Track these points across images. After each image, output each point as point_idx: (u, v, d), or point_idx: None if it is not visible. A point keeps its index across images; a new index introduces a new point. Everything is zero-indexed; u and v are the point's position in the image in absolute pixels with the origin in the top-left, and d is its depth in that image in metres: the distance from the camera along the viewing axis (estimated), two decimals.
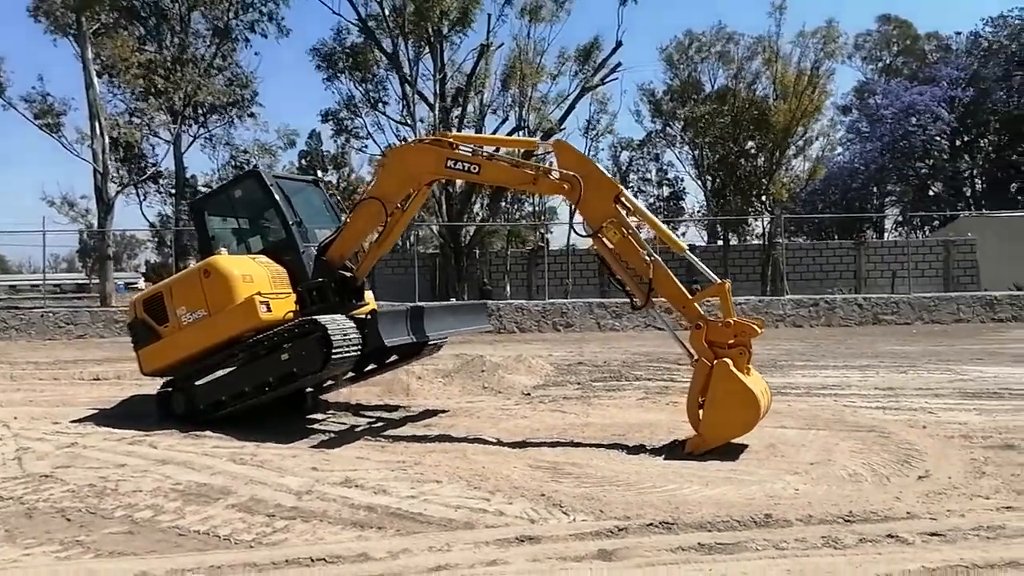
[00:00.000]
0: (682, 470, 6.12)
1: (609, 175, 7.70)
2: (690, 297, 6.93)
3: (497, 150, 8.90)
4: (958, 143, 46.83)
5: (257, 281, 8.33)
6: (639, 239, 7.16)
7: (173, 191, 35.20)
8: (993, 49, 42.91)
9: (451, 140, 8.06)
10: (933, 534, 4.45)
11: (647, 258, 7.05)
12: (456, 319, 9.54)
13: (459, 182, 27.42)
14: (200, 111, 34.67)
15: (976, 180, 48.19)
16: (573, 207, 7.49)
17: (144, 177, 34.87)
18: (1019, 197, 43.96)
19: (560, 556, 4.27)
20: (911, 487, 5.50)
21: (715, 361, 6.59)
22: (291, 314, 8.36)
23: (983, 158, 47.20)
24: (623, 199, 7.26)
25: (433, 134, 30.94)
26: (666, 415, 8.61)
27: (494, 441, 7.44)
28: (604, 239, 7.18)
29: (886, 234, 47.18)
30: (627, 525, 4.72)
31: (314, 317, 7.86)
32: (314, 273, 8.61)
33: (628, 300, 7.61)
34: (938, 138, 44.55)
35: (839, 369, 12.40)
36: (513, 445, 7.24)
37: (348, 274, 8.69)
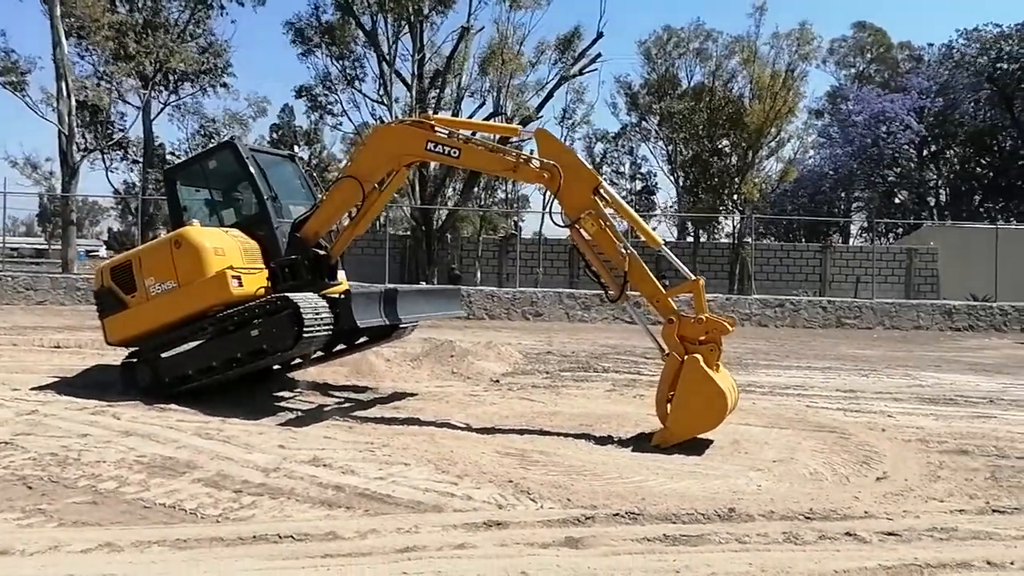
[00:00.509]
0: (648, 462, 6.20)
1: (589, 166, 7.72)
2: (664, 292, 7.00)
3: (474, 134, 8.83)
4: (925, 153, 47.72)
5: (229, 254, 8.21)
6: (616, 231, 7.20)
7: (140, 159, 34.50)
8: (964, 61, 43.71)
9: (432, 122, 8.00)
10: (890, 534, 4.58)
11: (623, 251, 7.09)
12: (429, 304, 9.52)
13: (434, 165, 27.28)
14: (171, 78, 33.98)
15: (941, 191, 49.20)
16: (552, 196, 7.50)
17: (111, 143, 34.09)
18: (981, 209, 44.97)
19: (527, 542, 4.32)
20: (870, 487, 5.65)
21: (686, 356, 6.67)
22: (262, 290, 8.27)
23: (948, 169, 48.20)
24: (602, 191, 7.30)
25: (411, 115, 30.76)
26: (633, 407, 8.71)
27: (462, 426, 7.47)
28: (581, 230, 7.20)
29: (852, 239, 48.01)
30: (594, 514, 4.79)
31: (286, 294, 7.77)
32: (287, 250, 8.51)
33: (601, 291, 7.64)
34: (906, 147, 45.35)
35: (802, 370, 12.64)
36: (481, 431, 7.28)
37: (322, 252, 8.62)
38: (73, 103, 27.25)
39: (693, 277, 7.01)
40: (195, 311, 8.16)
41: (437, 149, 7.83)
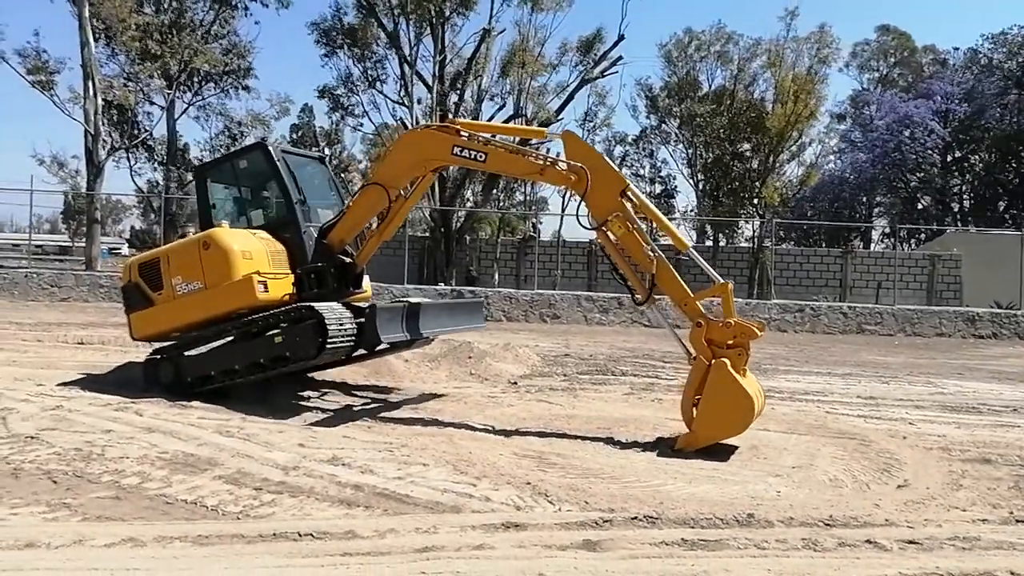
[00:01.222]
0: (666, 467, 6.19)
1: (616, 168, 7.67)
2: (692, 295, 6.95)
3: (495, 137, 8.81)
4: (949, 158, 47.19)
5: (256, 259, 8.23)
6: (643, 234, 7.16)
7: (164, 158, 34.88)
8: (991, 66, 43.18)
9: (458, 127, 7.97)
10: (910, 542, 4.53)
11: (650, 253, 7.04)
12: (452, 317, 9.48)
13: (453, 167, 27.35)
14: (196, 79, 34.33)
15: (965, 197, 48.62)
16: (579, 199, 7.45)
17: (136, 142, 34.49)
18: (1006, 216, 44.38)
19: (545, 544, 4.33)
20: (890, 495, 5.60)
21: (713, 361, 6.63)
22: (288, 296, 8.30)
23: (973, 175, 47.61)
24: (629, 193, 7.26)
25: (432, 116, 30.86)
26: (651, 411, 8.69)
27: (481, 427, 7.49)
28: (608, 233, 7.17)
29: (873, 244, 47.56)
30: (612, 517, 4.78)
31: (311, 304, 7.81)
32: (314, 257, 8.52)
33: (620, 295, 7.62)
34: (930, 152, 44.88)
35: (822, 376, 12.54)
36: (499, 432, 7.29)
37: (348, 260, 8.62)
38: (100, 102, 27.60)
39: (721, 281, 6.97)
40: (220, 313, 8.21)
41: (463, 153, 7.80)
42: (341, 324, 7.68)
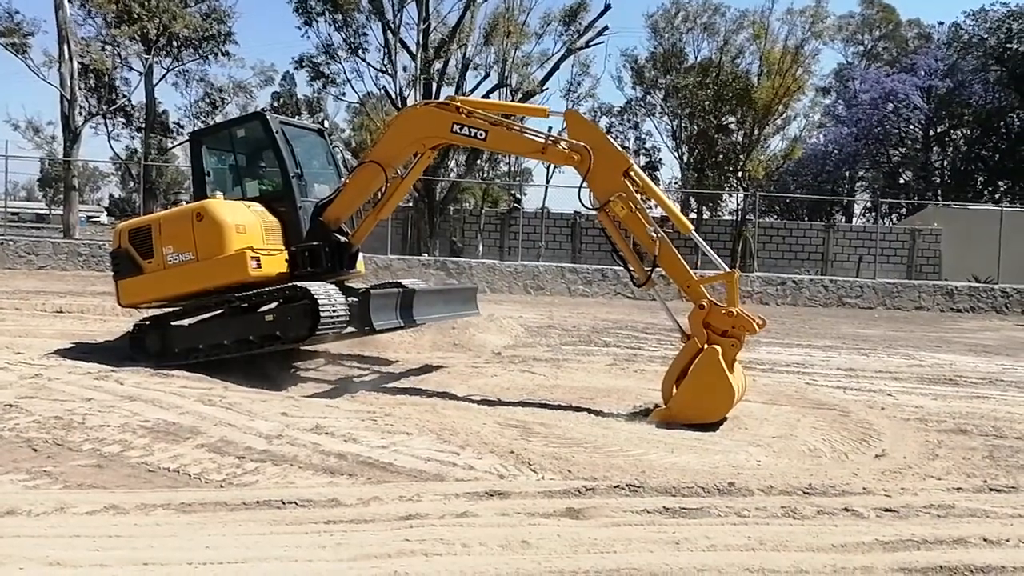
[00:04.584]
0: (648, 436, 6.24)
1: (619, 148, 7.49)
2: (696, 278, 6.92)
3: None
4: (931, 133, 47.38)
5: (250, 233, 8.09)
6: (646, 215, 7.05)
7: (143, 125, 34.27)
8: (972, 42, 43.18)
9: (458, 104, 7.78)
10: (887, 510, 4.61)
11: (653, 235, 6.95)
12: (446, 304, 9.41)
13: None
14: (175, 43, 33.62)
15: (945, 171, 48.94)
16: (581, 178, 7.27)
17: (114, 107, 33.85)
18: (985, 191, 44.74)
19: (528, 512, 4.36)
20: (868, 464, 5.69)
21: (706, 345, 6.63)
22: (280, 273, 8.19)
23: (953, 150, 47.88)
24: (632, 173, 7.14)
25: (419, 85, 30.49)
26: (633, 381, 8.75)
27: (464, 397, 7.51)
28: (610, 213, 7.08)
29: (855, 219, 47.85)
30: (594, 486, 4.82)
31: (305, 285, 7.68)
32: (309, 235, 8.40)
33: (628, 274, 7.48)
34: (912, 127, 45.02)
35: (803, 348, 12.67)
36: (483, 402, 7.31)
37: (343, 239, 8.49)
38: (75, 66, 27.05)
39: (727, 268, 6.94)
40: (210, 287, 8.09)
41: (463, 131, 7.65)
42: (334, 308, 7.57)
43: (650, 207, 7.72)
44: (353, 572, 3.48)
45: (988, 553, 3.99)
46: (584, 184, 7.25)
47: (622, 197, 7.01)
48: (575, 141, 7.22)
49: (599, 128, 7.91)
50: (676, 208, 7.38)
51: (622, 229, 7.18)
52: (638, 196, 7.13)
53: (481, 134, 7.61)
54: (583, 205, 7.39)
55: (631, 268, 7.29)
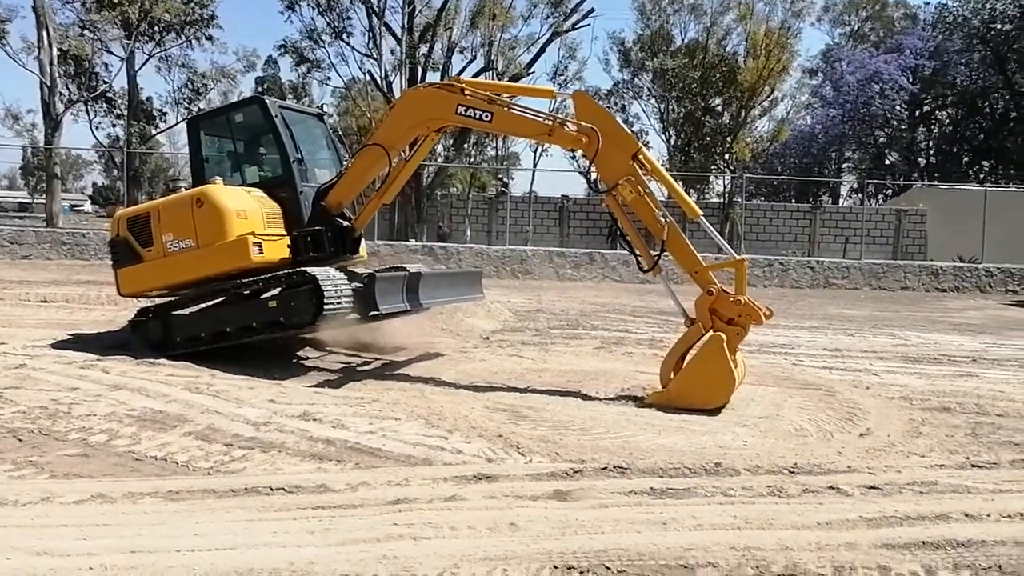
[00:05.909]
0: (636, 418, 6.28)
1: (628, 130, 7.34)
2: (704, 264, 6.87)
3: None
4: (916, 113, 47.55)
5: (251, 219, 7.97)
6: (655, 199, 6.95)
7: (125, 111, 33.89)
8: (957, 23, 43.26)
9: (462, 85, 7.63)
10: (871, 487, 4.66)
11: (661, 219, 6.87)
12: (451, 288, 9.31)
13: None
14: (156, 28, 33.21)
15: (931, 152, 49.15)
16: (589, 161, 7.15)
17: (95, 94, 33.44)
18: (970, 171, 45.00)
19: (516, 495, 4.38)
20: (853, 443, 5.74)
21: (711, 331, 6.62)
22: (283, 259, 8.10)
23: (939, 130, 48.08)
24: (641, 157, 7.03)
25: (404, 69, 30.25)
26: (621, 364, 8.78)
27: (452, 382, 7.51)
28: (618, 197, 6.99)
29: (841, 200, 48.06)
30: (582, 468, 4.85)
31: (309, 270, 7.59)
32: (311, 220, 8.29)
33: (634, 259, 7.38)
34: (898, 107, 45.14)
35: (790, 329, 12.74)
36: (471, 387, 7.32)
37: (345, 223, 8.39)
38: (55, 53, 26.71)
39: (736, 256, 6.92)
40: (212, 274, 7.97)
41: (468, 113, 7.46)
42: (339, 292, 7.47)
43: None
44: (342, 557, 3.49)
45: (969, 528, 4.04)
46: (591, 167, 7.12)
47: (630, 181, 6.90)
48: (583, 123, 7.08)
49: (607, 110, 7.76)
50: (684, 193, 7.23)
51: (629, 213, 7.10)
52: (646, 180, 7.03)
53: (487, 116, 7.43)
54: (591, 188, 7.34)
55: (638, 253, 7.22)
